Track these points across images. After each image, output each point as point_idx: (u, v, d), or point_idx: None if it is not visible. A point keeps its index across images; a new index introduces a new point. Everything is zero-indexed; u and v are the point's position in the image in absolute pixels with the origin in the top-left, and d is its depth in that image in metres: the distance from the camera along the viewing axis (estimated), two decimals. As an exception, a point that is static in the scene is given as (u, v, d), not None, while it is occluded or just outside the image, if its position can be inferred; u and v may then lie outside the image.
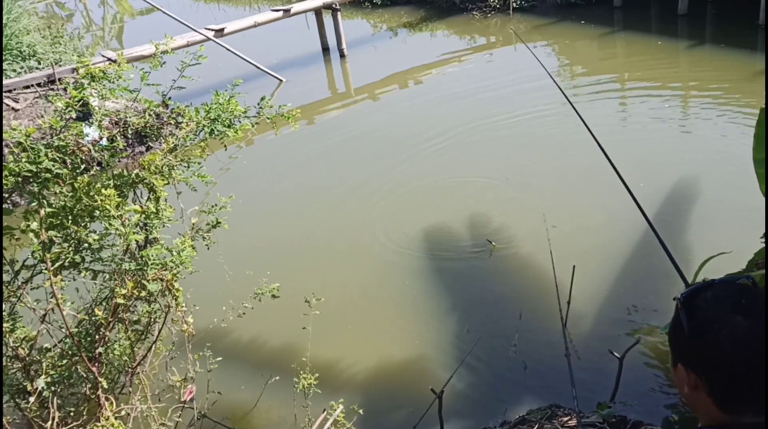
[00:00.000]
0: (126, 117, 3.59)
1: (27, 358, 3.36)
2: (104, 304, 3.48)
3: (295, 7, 11.73)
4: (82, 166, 3.29)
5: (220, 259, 4.27)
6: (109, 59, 9.52)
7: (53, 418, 3.39)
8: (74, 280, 3.41)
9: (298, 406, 4.09)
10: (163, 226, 3.46)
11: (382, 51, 12.54)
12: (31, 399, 3.32)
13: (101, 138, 3.55)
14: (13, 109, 8.88)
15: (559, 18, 12.54)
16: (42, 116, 8.56)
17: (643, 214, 2.08)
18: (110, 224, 3.14)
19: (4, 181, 3.01)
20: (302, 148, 8.46)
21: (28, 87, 9.40)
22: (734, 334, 1.22)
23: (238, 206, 4.01)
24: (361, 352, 4.85)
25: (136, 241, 3.33)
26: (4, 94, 8.95)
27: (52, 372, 3.39)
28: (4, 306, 3.20)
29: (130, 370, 3.80)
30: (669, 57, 10.07)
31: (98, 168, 3.55)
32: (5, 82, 9.21)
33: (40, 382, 3.27)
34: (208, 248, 3.73)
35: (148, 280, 3.30)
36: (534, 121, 8.19)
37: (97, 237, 3.24)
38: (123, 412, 3.71)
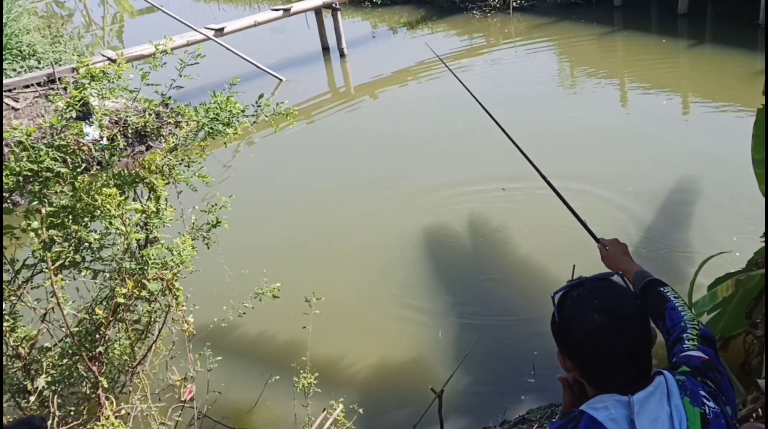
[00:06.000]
0: (126, 116, 3.58)
1: (27, 358, 3.37)
2: (104, 303, 3.48)
3: (295, 7, 11.73)
4: (83, 166, 3.30)
5: (220, 258, 4.27)
6: (108, 59, 9.52)
7: (53, 417, 3.39)
8: (74, 279, 3.42)
9: (298, 405, 4.10)
10: (164, 225, 3.46)
11: (382, 50, 12.54)
12: (32, 398, 3.32)
13: (101, 137, 3.55)
14: (13, 108, 8.88)
15: (559, 17, 12.54)
16: (42, 115, 8.56)
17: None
18: (111, 223, 3.14)
19: (4, 181, 3.01)
20: (302, 147, 8.45)
21: (28, 86, 9.40)
22: (587, 330, 1.48)
23: (238, 205, 4.01)
24: (361, 352, 4.85)
25: (137, 241, 3.34)
26: (4, 93, 8.95)
27: (52, 371, 3.39)
28: (4, 305, 3.20)
29: (130, 369, 3.80)
30: (669, 56, 10.07)
31: (98, 167, 3.55)
32: (5, 81, 9.21)
33: (41, 382, 3.27)
34: (208, 247, 3.73)
35: (148, 280, 3.31)
36: (534, 120, 8.17)
37: (97, 236, 3.24)
38: (123, 412, 3.72)
